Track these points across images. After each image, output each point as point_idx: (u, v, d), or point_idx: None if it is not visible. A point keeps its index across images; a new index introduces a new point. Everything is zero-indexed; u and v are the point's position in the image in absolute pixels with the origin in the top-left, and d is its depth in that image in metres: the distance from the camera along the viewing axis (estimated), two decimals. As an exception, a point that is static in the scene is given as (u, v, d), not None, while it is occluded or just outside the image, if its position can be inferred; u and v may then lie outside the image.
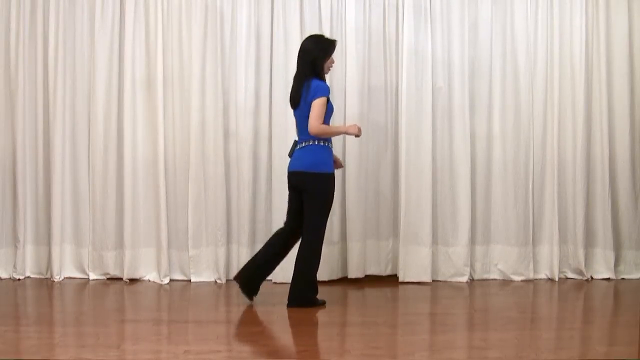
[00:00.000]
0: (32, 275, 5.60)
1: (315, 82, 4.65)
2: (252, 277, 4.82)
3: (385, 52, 5.56)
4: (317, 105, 4.60)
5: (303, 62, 4.71)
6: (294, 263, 4.78)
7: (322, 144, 4.68)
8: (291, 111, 5.45)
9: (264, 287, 5.40)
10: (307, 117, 4.63)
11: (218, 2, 5.48)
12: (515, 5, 5.58)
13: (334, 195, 4.77)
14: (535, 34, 5.58)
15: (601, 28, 5.57)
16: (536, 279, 5.59)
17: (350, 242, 5.41)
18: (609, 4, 5.59)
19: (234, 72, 5.50)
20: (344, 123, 5.42)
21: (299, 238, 4.75)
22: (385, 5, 5.54)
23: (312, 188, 4.67)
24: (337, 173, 5.44)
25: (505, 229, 5.59)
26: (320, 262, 5.38)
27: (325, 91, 4.65)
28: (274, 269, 4.90)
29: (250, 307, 4.91)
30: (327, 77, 5.39)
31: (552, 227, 5.58)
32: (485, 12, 5.57)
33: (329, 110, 4.68)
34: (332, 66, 4.82)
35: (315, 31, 5.44)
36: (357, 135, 4.76)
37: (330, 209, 4.74)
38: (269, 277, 5.52)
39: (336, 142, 5.45)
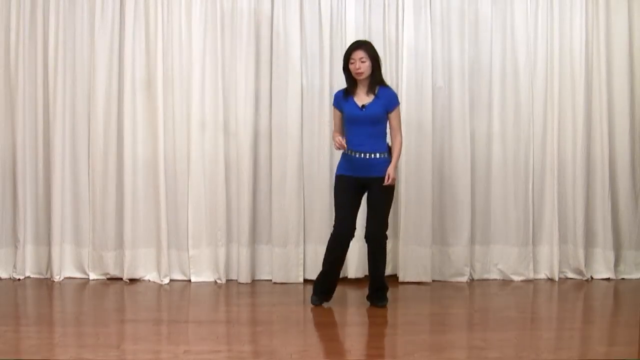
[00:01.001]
0: (32, 275, 5.60)
1: None
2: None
3: (385, 52, 5.55)
4: None
5: None
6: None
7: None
8: (290, 112, 5.48)
9: (264, 286, 5.42)
10: None
11: (218, 2, 5.48)
12: (515, 5, 5.57)
13: (342, 197, 4.72)
14: (535, 33, 5.58)
15: (601, 28, 5.57)
16: (536, 279, 5.59)
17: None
18: (609, 4, 5.59)
19: (234, 72, 5.49)
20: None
21: (366, 241, 4.79)
22: (385, 5, 5.54)
23: None
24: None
25: (505, 229, 5.59)
26: (320, 263, 5.39)
27: (333, 99, 4.85)
28: (370, 272, 4.89)
29: (250, 307, 4.92)
30: (327, 76, 5.45)
31: (552, 227, 5.58)
32: (485, 12, 5.57)
33: (346, 115, 4.71)
34: (357, 69, 4.66)
35: (315, 31, 5.47)
36: (336, 148, 4.71)
37: (335, 209, 4.76)
38: (268, 277, 5.56)
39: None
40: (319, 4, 5.49)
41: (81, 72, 5.54)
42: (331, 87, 5.48)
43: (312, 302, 4.82)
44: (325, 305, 4.81)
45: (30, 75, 5.54)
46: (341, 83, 5.45)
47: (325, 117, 5.47)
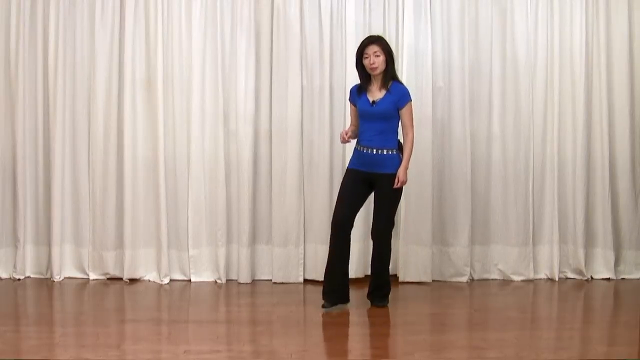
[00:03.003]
0: (32, 275, 5.59)
1: None
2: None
3: (385, 52, 5.55)
4: None
5: None
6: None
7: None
8: (290, 111, 5.48)
9: (264, 286, 5.42)
10: None
11: (218, 2, 5.48)
12: (515, 5, 5.57)
13: (344, 188, 4.73)
14: (535, 34, 5.58)
15: (601, 28, 5.56)
16: (536, 279, 5.59)
17: (350, 236, 5.39)
18: (609, 4, 5.58)
19: (234, 72, 5.49)
20: (344, 123, 5.41)
21: (372, 238, 4.79)
22: (385, 5, 5.54)
23: None
24: (337, 173, 5.45)
25: (505, 229, 5.59)
26: (320, 263, 5.38)
27: (349, 94, 4.84)
28: (372, 269, 4.89)
29: (250, 307, 4.92)
30: (327, 76, 5.44)
31: (552, 227, 5.58)
32: (485, 12, 5.56)
33: (359, 111, 4.72)
34: (371, 64, 4.63)
35: (315, 31, 5.46)
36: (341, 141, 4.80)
37: (337, 199, 4.75)
38: (268, 277, 5.56)
39: (338, 140, 5.46)
40: (319, 3, 5.48)
41: (81, 72, 5.53)
42: (331, 87, 5.48)
43: (324, 307, 4.68)
44: (340, 308, 4.69)
45: (30, 75, 5.53)
46: (341, 83, 5.49)
47: (326, 117, 5.47)
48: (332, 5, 5.50)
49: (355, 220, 4.74)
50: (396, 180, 4.62)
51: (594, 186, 5.61)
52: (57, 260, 5.52)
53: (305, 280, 5.49)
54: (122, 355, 3.80)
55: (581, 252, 5.57)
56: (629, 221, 5.65)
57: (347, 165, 4.85)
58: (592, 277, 5.61)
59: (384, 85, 4.67)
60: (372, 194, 4.78)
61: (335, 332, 4.38)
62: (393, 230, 5.56)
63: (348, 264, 4.78)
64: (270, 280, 5.53)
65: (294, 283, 5.47)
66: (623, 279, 5.61)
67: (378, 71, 4.65)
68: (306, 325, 4.52)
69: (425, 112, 5.48)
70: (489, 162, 5.60)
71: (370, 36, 4.82)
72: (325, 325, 4.49)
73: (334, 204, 5.40)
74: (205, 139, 5.50)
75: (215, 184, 5.50)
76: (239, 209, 5.51)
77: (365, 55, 4.66)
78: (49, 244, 5.55)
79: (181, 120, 5.53)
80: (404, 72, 5.47)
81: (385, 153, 4.63)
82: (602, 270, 5.62)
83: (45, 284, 5.45)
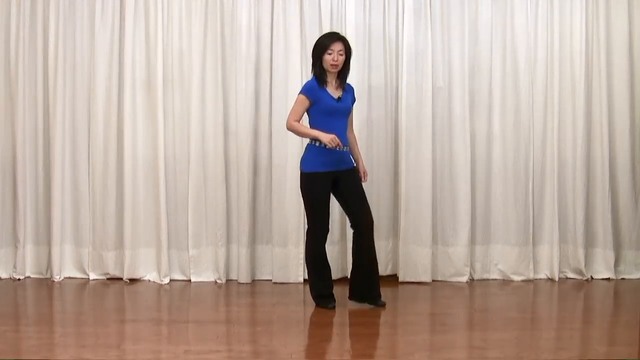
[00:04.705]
0: (32, 275, 5.60)
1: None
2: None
3: (385, 52, 5.56)
4: (295, 101, 4.70)
5: None
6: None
7: (310, 142, 4.70)
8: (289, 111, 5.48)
9: (264, 286, 5.42)
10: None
11: (218, 2, 5.48)
12: (515, 5, 5.57)
13: (322, 195, 4.68)
14: (535, 33, 5.58)
15: (601, 28, 5.56)
16: (536, 279, 5.59)
17: (350, 242, 5.39)
18: (609, 3, 5.59)
19: (234, 72, 5.49)
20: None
21: (358, 232, 4.76)
22: (385, 5, 5.54)
23: (300, 186, 4.77)
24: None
25: (505, 229, 5.59)
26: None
27: (304, 89, 4.68)
28: (355, 268, 4.85)
29: (250, 307, 4.93)
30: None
31: (552, 227, 5.58)
32: (485, 12, 5.57)
33: (325, 106, 4.62)
34: (334, 61, 4.61)
35: (315, 31, 5.45)
36: (332, 147, 4.51)
37: (315, 209, 4.69)
38: (268, 277, 5.56)
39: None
40: (319, 4, 5.49)
41: (81, 72, 5.54)
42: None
43: (331, 306, 4.73)
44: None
45: (30, 75, 5.54)
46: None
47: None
48: (332, 5, 5.50)
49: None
50: (364, 175, 4.88)
51: (594, 186, 5.61)
52: (57, 260, 5.52)
53: (305, 280, 5.48)
54: (122, 355, 3.80)
55: (581, 252, 5.57)
56: (629, 221, 5.65)
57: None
58: (592, 277, 5.61)
59: (340, 85, 4.71)
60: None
61: (335, 332, 4.39)
62: (392, 230, 5.61)
63: None
64: (270, 280, 5.53)
65: (294, 283, 5.47)
66: (623, 279, 5.61)
67: (337, 69, 4.67)
68: (306, 325, 4.53)
69: (425, 112, 5.48)
70: (489, 162, 5.60)
71: (337, 33, 4.84)
72: (325, 325, 4.49)
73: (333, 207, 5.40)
74: (205, 139, 5.50)
75: (215, 184, 5.50)
76: (238, 209, 5.51)
77: (329, 51, 4.63)
78: (49, 244, 5.55)
79: (181, 120, 5.54)
80: (404, 72, 5.47)
81: (347, 150, 4.73)
82: (602, 270, 5.62)
83: (45, 284, 5.45)
